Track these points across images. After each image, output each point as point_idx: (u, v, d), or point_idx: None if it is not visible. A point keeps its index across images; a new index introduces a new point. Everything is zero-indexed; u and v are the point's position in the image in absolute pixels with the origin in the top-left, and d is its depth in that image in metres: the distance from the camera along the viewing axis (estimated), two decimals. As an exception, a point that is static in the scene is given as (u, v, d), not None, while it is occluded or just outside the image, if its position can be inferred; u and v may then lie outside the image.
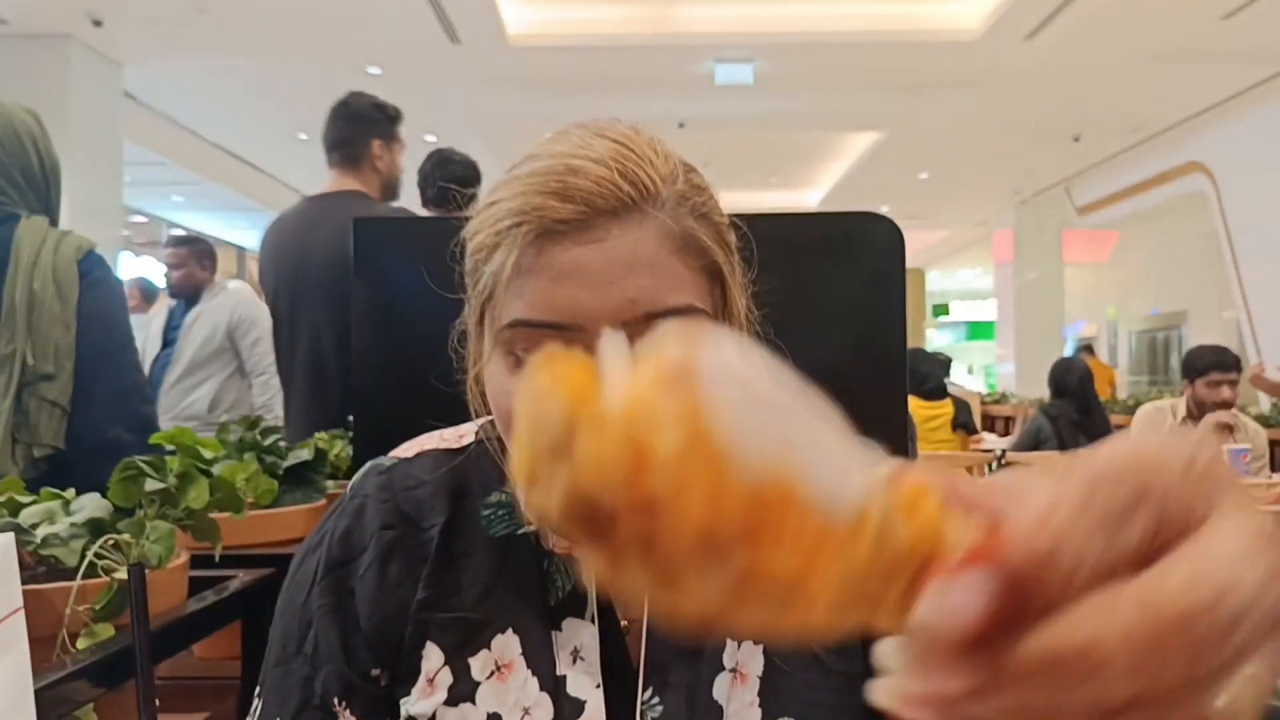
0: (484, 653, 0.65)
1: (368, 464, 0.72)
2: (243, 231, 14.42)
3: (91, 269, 1.60)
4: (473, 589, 0.66)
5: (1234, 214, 8.43)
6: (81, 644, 0.87)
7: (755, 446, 0.21)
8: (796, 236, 0.99)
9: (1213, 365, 3.51)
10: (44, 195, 1.65)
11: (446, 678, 0.64)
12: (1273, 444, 3.93)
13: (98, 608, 0.88)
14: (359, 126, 2.56)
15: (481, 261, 0.60)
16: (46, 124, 1.68)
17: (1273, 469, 3.60)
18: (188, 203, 12.01)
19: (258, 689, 0.68)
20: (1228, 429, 3.52)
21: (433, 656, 0.65)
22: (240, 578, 1.11)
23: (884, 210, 1.04)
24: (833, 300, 1.00)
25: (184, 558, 1.02)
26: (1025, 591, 0.21)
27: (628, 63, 6.85)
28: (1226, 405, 3.51)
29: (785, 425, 0.22)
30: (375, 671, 0.66)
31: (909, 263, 1.01)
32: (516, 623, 0.65)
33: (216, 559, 1.05)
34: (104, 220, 6.24)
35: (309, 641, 0.66)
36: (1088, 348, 11.85)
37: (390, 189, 2.62)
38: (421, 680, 0.65)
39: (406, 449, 0.73)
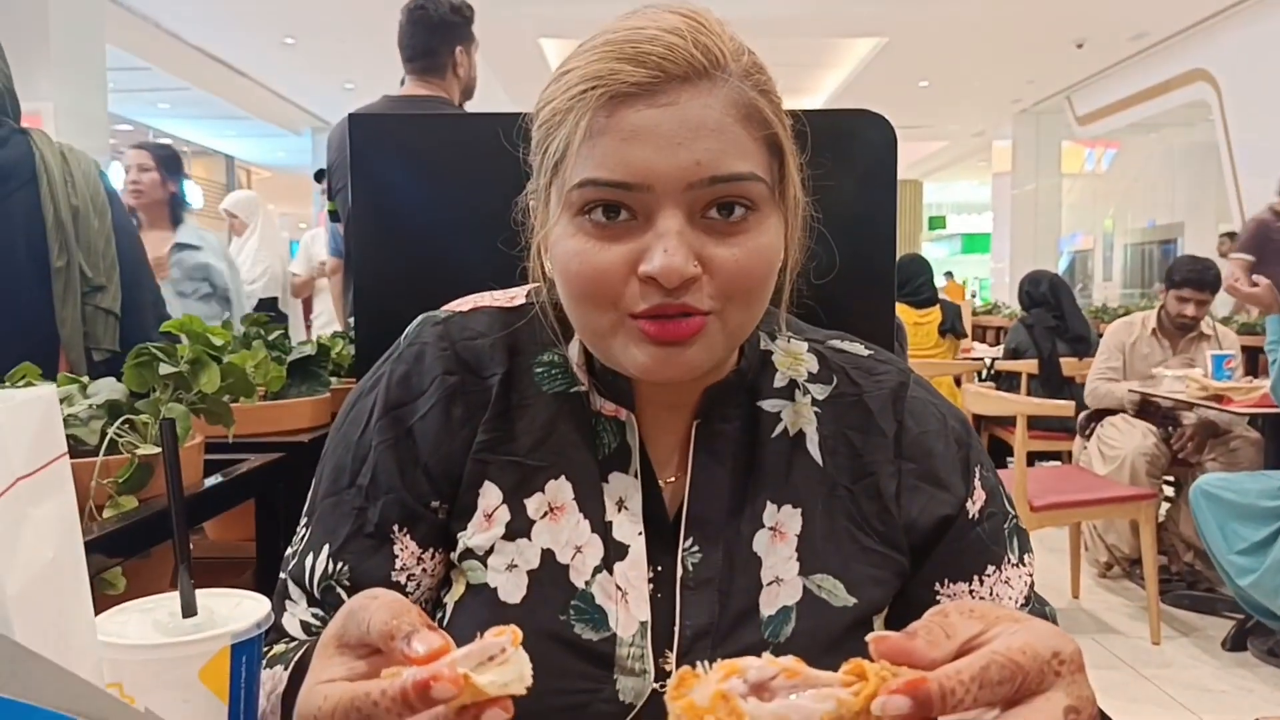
0: (538, 495, 0.69)
1: (421, 315, 0.75)
2: (231, 140, 14.16)
3: (107, 183, 1.66)
4: (527, 438, 0.70)
5: (1236, 124, 8.32)
6: (107, 514, 0.93)
7: None
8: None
9: (1188, 282, 3.51)
10: (16, 104, 1.61)
11: (505, 514, 0.68)
12: (1253, 350, 4.00)
13: (121, 481, 0.94)
14: (442, 35, 2.42)
15: (553, 127, 0.62)
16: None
17: (1254, 375, 3.67)
18: (173, 110, 11.74)
19: (304, 519, 0.72)
20: (1203, 338, 3.57)
21: (491, 495, 0.69)
22: (252, 460, 1.17)
23: (881, 119, 1.04)
24: (823, 198, 1.01)
25: (199, 439, 1.07)
26: (928, 707, 0.39)
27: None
28: (1191, 320, 3.53)
29: None
30: (435, 503, 0.69)
31: (906, 174, 1.02)
32: (569, 470, 0.69)
33: (229, 439, 1.10)
34: (90, 129, 6.08)
35: (364, 474, 0.69)
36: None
37: (468, 93, 2.51)
38: (479, 516, 0.69)
39: (461, 304, 0.75)
